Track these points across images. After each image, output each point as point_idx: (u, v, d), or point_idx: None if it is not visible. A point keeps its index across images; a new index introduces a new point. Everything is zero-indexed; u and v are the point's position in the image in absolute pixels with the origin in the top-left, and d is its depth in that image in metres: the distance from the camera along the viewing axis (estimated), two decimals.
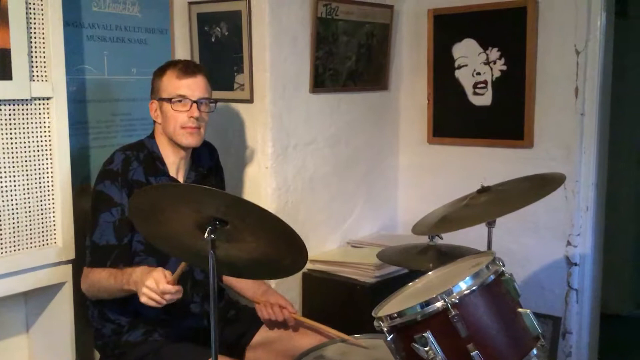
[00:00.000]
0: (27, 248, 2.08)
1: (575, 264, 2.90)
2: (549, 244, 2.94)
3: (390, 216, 3.36)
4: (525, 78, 2.90)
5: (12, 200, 2.04)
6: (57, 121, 2.12)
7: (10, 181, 2.03)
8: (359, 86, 3.10)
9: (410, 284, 1.90)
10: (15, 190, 2.04)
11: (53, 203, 2.14)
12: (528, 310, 1.68)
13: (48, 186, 2.13)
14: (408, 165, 3.37)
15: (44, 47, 2.08)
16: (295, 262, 1.72)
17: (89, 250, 2.10)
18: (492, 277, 1.66)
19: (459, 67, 3.12)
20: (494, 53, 3.00)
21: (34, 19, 2.05)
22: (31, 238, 2.09)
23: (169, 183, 2.12)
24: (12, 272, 2.04)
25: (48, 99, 2.10)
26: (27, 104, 2.05)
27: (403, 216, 3.36)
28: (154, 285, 1.80)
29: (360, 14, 2.99)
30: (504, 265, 1.72)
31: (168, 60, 2.54)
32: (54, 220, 2.14)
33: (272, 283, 2.68)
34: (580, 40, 2.80)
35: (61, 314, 2.21)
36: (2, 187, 2.01)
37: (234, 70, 2.74)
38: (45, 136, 2.11)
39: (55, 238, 2.15)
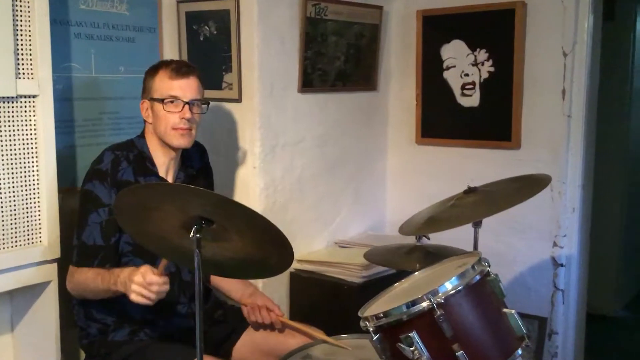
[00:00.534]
0: (12, 247, 2.07)
1: (562, 265, 2.92)
2: (536, 245, 2.96)
3: (378, 216, 3.37)
4: (513, 80, 2.92)
5: None
6: (43, 119, 2.10)
7: None
8: (348, 86, 3.10)
9: (396, 284, 1.90)
10: (0, 188, 2.03)
11: (39, 202, 2.12)
12: (513, 311, 1.69)
13: (34, 185, 2.11)
14: (396, 166, 3.37)
15: (30, 45, 2.06)
16: (281, 262, 1.72)
17: (76, 250, 2.09)
18: (478, 277, 1.66)
19: (447, 68, 3.13)
20: (482, 54, 3.01)
21: (20, 16, 2.03)
22: (16, 237, 2.08)
23: (155, 182, 2.11)
24: None
25: (34, 96, 2.09)
26: (12, 102, 2.04)
27: (391, 216, 3.37)
28: (141, 279, 1.80)
29: (350, 14, 3.00)
30: (489, 266, 1.73)
31: (156, 58, 2.53)
32: (39, 219, 2.13)
33: (260, 282, 2.68)
34: (567, 42, 2.82)
35: (46, 313, 2.19)
36: None
37: (223, 69, 2.74)
38: (31, 134, 2.10)
39: (40, 237, 2.14)
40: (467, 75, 3.07)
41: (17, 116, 2.06)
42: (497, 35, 2.96)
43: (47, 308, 2.19)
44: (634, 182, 4.61)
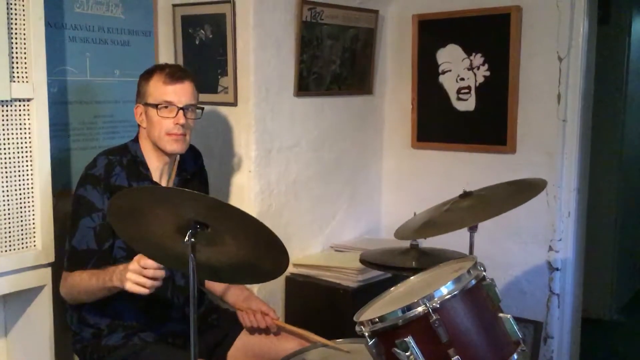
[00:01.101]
0: (6, 251, 2.06)
1: (557, 269, 2.92)
2: (531, 249, 2.96)
3: (373, 220, 3.37)
4: (509, 84, 2.92)
5: None
6: (37, 123, 2.10)
7: None
8: (343, 90, 3.10)
9: (392, 288, 1.90)
10: None
11: (33, 206, 2.11)
12: (509, 315, 1.69)
13: (28, 188, 2.10)
14: (392, 170, 3.37)
15: (25, 48, 2.06)
16: (276, 266, 1.71)
17: (68, 255, 2.08)
18: (474, 282, 1.66)
19: (443, 73, 3.13)
20: (478, 59, 3.01)
21: (15, 19, 2.03)
22: (10, 241, 2.07)
23: (148, 186, 2.10)
24: None
25: (28, 100, 2.08)
26: (7, 105, 2.03)
27: (386, 220, 3.36)
28: (136, 265, 1.79)
29: (345, 18, 3.00)
30: (485, 270, 1.72)
31: (151, 62, 2.53)
32: (33, 223, 2.12)
33: (255, 286, 2.67)
34: (562, 46, 2.82)
35: (40, 318, 2.18)
36: None
37: (218, 73, 2.74)
38: (25, 138, 2.09)
39: (34, 241, 2.13)
40: (462, 79, 3.07)
41: (12, 120, 2.05)
42: (493, 39, 2.96)
43: (41, 312, 2.18)
44: (629, 186, 4.63)
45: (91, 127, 2.53)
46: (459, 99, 3.09)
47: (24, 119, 2.08)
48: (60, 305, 2.20)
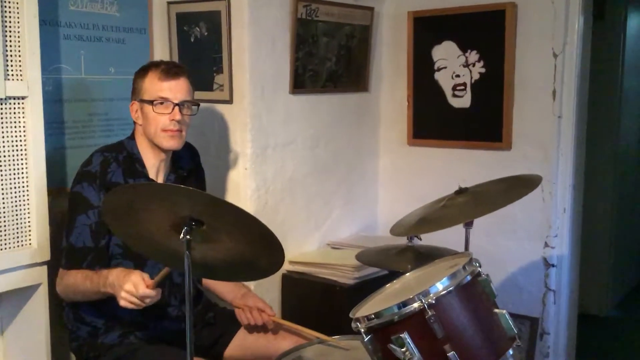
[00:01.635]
0: (1, 249, 2.05)
1: (553, 265, 2.92)
2: (527, 246, 2.96)
3: (370, 217, 3.37)
4: (504, 80, 2.92)
5: None
6: (32, 121, 2.09)
7: None
8: (339, 87, 3.10)
9: (388, 285, 1.90)
10: None
11: (28, 204, 2.11)
12: (504, 311, 1.69)
13: (23, 187, 2.10)
14: (388, 167, 3.37)
15: (19, 46, 2.05)
16: (272, 263, 1.71)
17: (65, 253, 2.08)
18: (469, 277, 1.66)
19: (439, 70, 3.13)
20: (473, 55, 3.01)
21: (9, 16, 2.02)
22: (5, 239, 2.06)
23: (143, 182, 2.10)
24: None
25: (23, 98, 2.07)
26: (1, 103, 2.02)
27: (383, 217, 3.37)
28: (133, 289, 1.78)
29: (341, 15, 3.00)
30: (480, 266, 1.73)
31: (146, 60, 2.52)
32: (28, 221, 2.11)
33: (252, 284, 2.67)
34: (558, 43, 2.83)
35: (36, 316, 2.18)
36: None
37: (214, 70, 2.73)
38: (20, 136, 2.08)
39: (30, 239, 2.12)
40: (458, 76, 3.07)
41: (6, 118, 2.04)
42: (488, 36, 2.96)
43: (37, 311, 2.17)
44: (624, 182, 4.64)
45: (86, 125, 2.52)
46: (454, 95, 3.10)
47: (19, 117, 2.07)
48: (56, 303, 2.20)
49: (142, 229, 1.67)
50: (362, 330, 1.67)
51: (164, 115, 2.10)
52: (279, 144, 2.82)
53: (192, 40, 2.77)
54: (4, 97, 2.02)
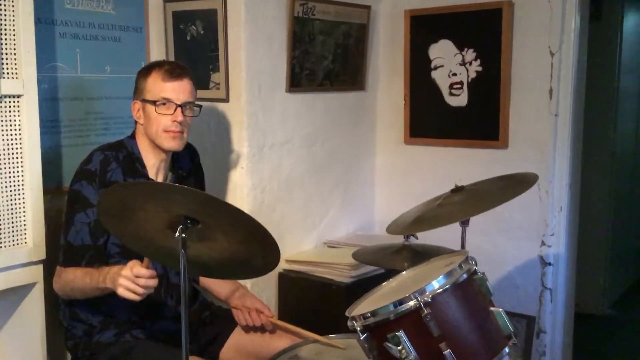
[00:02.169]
0: None
1: (549, 264, 2.92)
2: (523, 244, 2.96)
3: (366, 216, 3.37)
4: (501, 79, 2.92)
5: None
6: (27, 119, 2.08)
7: None
8: (336, 86, 3.10)
9: (384, 283, 1.90)
10: None
11: (24, 202, 2.10)
12: (500, 309, 1.69)
13: (18, 185, 2.09)
14: (384, 166, 3.37)
15: (14, 44, 2.04)
16: (267, 262, 1.71)
17: (63, 250, 2.07)
18: (465, 276, 1.66)
19: (435, 68, 3.13)
20: (470, 54, 3.01)
21: (5, 15, 2.01)
22: (1, 238, 2.06)
23: (139, 181, 2.10)
24: None
25: (19, 96, 2.06)
26: None
27: (380, 216, 3.37)
28: (129, 272, 1.79)
29: (337, 13, 2.99)
30: (476, 265, 1.73)
31: (143, 58, 2.52)
32: (24, 220, 2.11)
33: (248, 282, 2.67)
34: (554, 41, 2.83)
35: (32, 315, 2.17)
36: None
37: (210, 69, 2.73)
38: (15, 134, 2.07)
39: (25, 238, 2.11)
40: (454, 74, 3.07)
41: (2, 116, 2.03)
42: (485, 34, 2.96)
43: (33, 310, 2.17)
44: (621, 180, 4.64)
45: (82, 123, 2.52)
46: (451, 94, 3.10)
47: (14, 116, 2.06)
48: (52, 302, 2.20)
49: (138, 227, 1.67)
50: (358, 328, 1.67)
51: (166, 116, 2.10)
52: (276, 142, 2.82)
53: (188, 38, 2.76)
54: None
